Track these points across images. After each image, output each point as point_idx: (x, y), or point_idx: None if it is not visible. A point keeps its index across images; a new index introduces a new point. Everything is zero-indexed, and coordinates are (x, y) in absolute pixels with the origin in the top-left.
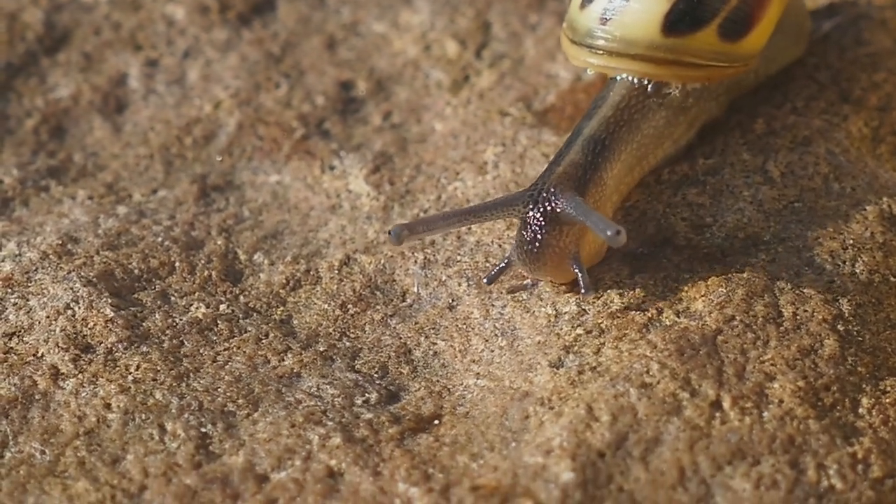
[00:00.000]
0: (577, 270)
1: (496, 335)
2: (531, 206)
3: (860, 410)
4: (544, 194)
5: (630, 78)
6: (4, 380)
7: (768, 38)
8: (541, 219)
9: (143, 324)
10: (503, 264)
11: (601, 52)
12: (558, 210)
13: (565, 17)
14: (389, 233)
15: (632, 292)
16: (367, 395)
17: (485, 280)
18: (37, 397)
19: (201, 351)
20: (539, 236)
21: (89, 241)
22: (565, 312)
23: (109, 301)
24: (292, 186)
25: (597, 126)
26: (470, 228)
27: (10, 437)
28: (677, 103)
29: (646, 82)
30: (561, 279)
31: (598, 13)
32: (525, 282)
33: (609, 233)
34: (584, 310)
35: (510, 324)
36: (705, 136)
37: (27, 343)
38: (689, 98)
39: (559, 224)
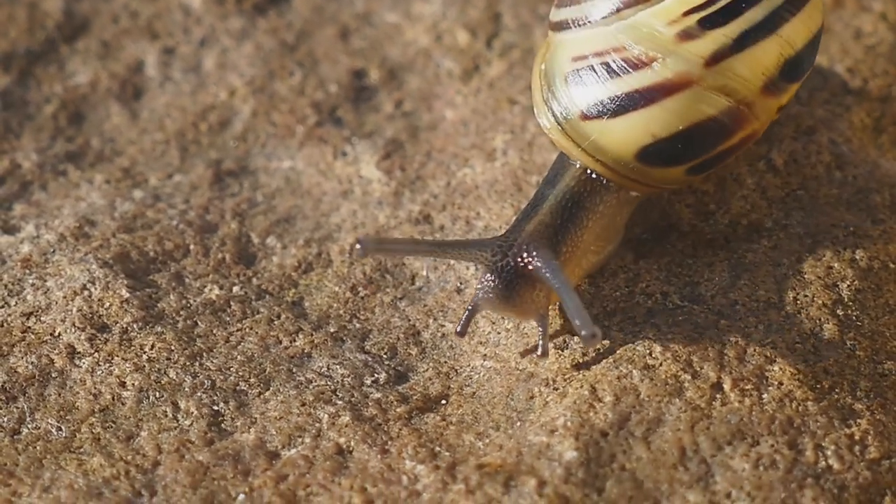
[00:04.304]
0: (539, 329)
1: (503, 318)
2: (500, 257)
3: (858, 393)
4: (515, 249)
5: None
6: (22, 358)
7: None
8: (512, 271)
9: (158, 304)
10: (469, 311)
11: (568, 140)
12: (531, 267)
13: (545, 57)
14: (358, 242)
15: (637, 277)
16: (376, 375)
17: (457, 331)
18: (54, 375)
19: (214, 331)
20: (511, 287)
21: (106, 224)
22: None
23: (125, 282)
24: (305, 172)
25: (562, 194)
26: (479, 213)
27: (28, 414)
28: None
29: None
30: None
31: (582, 105)
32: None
33: (585, 333)
34: (590, 294)
35: None
36: None
37: (44, 322)
38: None
39: (531, 280)
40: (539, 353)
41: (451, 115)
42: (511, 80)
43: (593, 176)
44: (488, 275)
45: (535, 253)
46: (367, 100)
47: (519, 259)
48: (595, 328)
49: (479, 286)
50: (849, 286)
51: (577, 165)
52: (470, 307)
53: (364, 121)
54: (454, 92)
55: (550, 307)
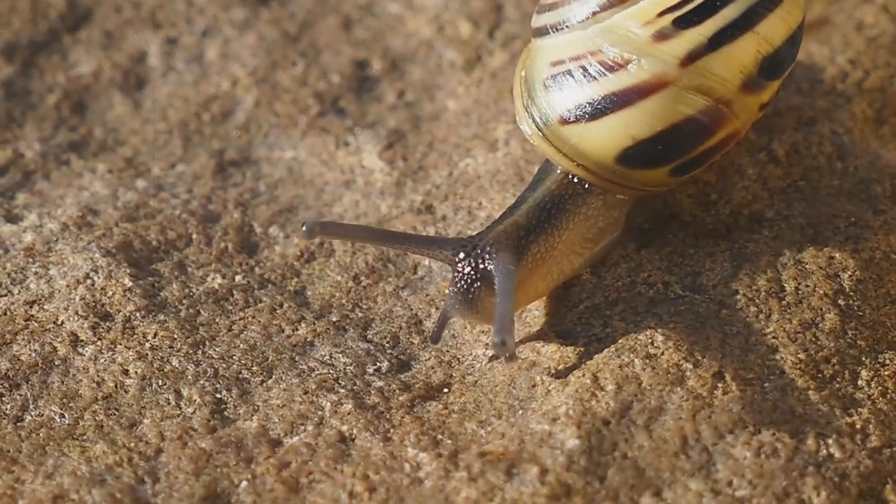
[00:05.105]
0: None
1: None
2: (462, 258)
3: (859, 382)
4: (478, 251)
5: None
6: (25, 346)
7: None
8: (472, 273)
9: (161, 293)
10: (442, 320)
11: (550, 145)
12: (489, 269)
13: (525, 63)
14: (303, 224)
15: (638, 266)
16: (378, 363)
17: (431, 338)
18: (57, 363)
19: (217, 320)
20: (472, 291)
21: (109, 214)
22: (575, 286)
23: (128, 271)
24: (307, 162)
25: (541, 197)
26: (481, 203)
27: (31, 401)
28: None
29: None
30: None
31: (561, 110)
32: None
33: (496, 339)
34: (592, 283)
35: None
36: None
37: (47, 311)
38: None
39: (491, 283)
40: (506, 357)
41: (453, 105)
42: (513, 71)
43: (575, 180)
44: (453, 276)
45: (494, 256)
46: (370, 90)
47: (479, 261)
48: (509, 338)
49: (448, 290)
50: (850, 276)
51: (559, 170)
52: (441, 318)
53: (366, 111)
54: (456, 82)
55: (516, 311)
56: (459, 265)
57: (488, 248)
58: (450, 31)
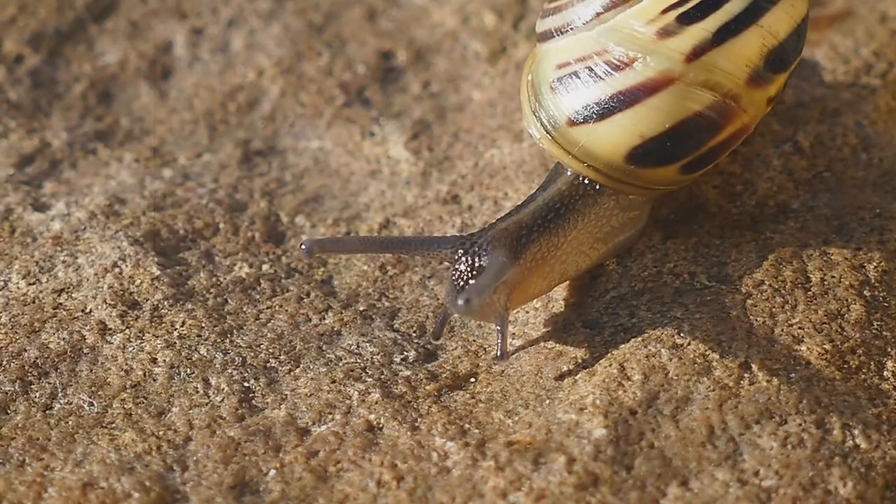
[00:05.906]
0: (498, 330)
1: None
2: (460, 255)
3: (885, 373)
4: (476, 248)
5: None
6: (54, 334)
7: None
8: (468, 271)
9: (189, 282)
10: (442, 317)
11: (559, 148)
12: (483, 265)
13: (531, 68)
14: (302, 245)
15: (664, 257)
16: (405, 353)
17: (432, 338)
18: (85, 351)
19: (244, 309)
20: (468, 287)
21: (136, 202)
22: (601, 276)
23: (155, 260)
24: (333, 152)
25: (550, 197)
26: (506, 194)
27: (60, 389)
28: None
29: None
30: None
31: (569, 112)
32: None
33: (459, 301)
34: (618, 273)
35: None
36: None
37: (76, 299)
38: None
39: None
40: (498, 355)
41: (478, 96)
42: None
43: (586, 182)
44: (450, 273)
45: (490, 252)
46: (395, 81)
47: (476, 259)
48: (475, 299)
49: (446, 287)
50: (875, 267)
51: (570, 172)
52: (442, 315)
53: (392, 101)
54: (481, 73)
55: (512, 310)
56: (457, 263)
57: (485, 246)
58: (474, 22)
